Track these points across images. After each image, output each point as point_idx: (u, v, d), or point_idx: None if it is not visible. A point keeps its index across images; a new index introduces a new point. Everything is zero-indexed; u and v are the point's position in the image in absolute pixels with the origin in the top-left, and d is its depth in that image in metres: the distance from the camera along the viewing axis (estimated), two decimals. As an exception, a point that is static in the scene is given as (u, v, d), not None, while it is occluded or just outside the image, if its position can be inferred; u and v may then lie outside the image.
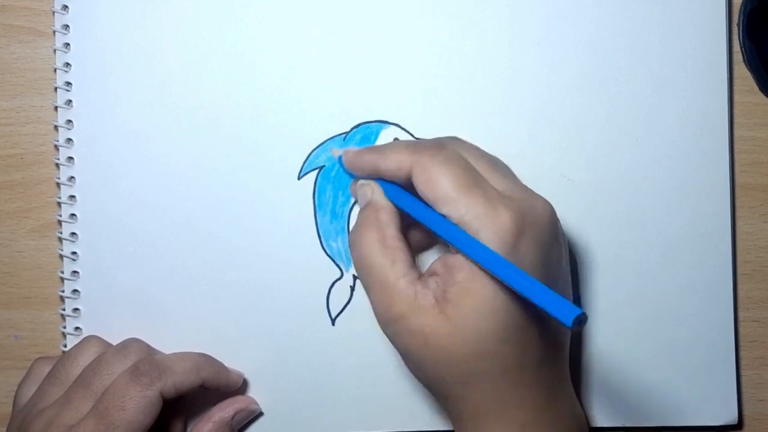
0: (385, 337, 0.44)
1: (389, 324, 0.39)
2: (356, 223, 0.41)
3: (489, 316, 0.37)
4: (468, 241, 0.36)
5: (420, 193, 0.39)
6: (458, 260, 0.37)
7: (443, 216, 0.38)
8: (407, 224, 0.41)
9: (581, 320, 0.33)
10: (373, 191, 0.41)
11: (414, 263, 0.39)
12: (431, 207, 0.38)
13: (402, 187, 0.40)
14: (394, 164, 0.40)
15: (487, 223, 0.37)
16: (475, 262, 0.37)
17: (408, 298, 0.38)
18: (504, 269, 0.35)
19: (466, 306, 0.37)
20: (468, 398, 0.39)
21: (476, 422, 0.39)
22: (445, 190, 0.38)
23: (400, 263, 0.39)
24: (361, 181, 0.42)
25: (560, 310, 0.33)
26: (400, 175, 0.39)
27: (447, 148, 0.40)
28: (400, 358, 0.44)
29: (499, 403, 0.38)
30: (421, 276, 0.39)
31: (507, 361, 0.38)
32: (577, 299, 0.45)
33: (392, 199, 0.40)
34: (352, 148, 0.44)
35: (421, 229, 0.42)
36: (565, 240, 0.41)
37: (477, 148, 0.41)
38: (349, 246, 0.41)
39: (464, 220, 0.37)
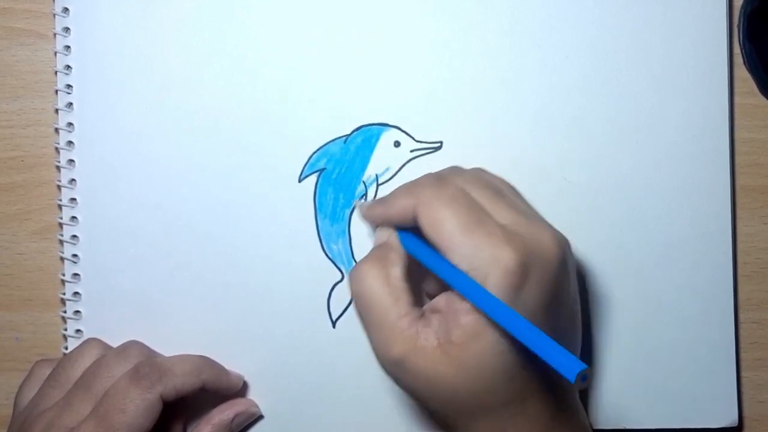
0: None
1: (390, 364, 0.38)
2: (362, 259, 0.40)
3: (494, 358, 0.36)
4: (473, 289, 0.36)
5: (426, 235, 0.38)
6: (464, 305, 0.37)
7: (450, 264, 0.37)
8: (414, 267, 0.41)
9: (585, 376, 0.32)
10: (390, 235, 0.41)
11: (415, 304, 0.39)
12: (440, 253, 0.38)
13: (416, 235, 0.39)
14: (399, 212, 0.39)
15: (491, 269, 0.36)
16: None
17: (409, 338, 0.37)
18: (508, 320, 0.35)
19: (472, 349, 0.36)
20: (473, 428, 0.38)
21: None
22: (449, 234, 0.37)
23: (402, 302, 0.38)
24: (380, 227, 0.42)
25: (563, 364, 0.33)
26: (409, 219, 0.39)
27: (448, 185, 0.39)
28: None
29: (504, 430, 0.38)
30: (423, 314, 0.38)
31: (510, 394, 0.37)
32: (585, 304, 0.44)
33: (406, 247, 0.40)
34: (365, 202, 0.44)
35: (424, 282, 0.42)
36: (575, 270, 0.40)
37: (479, 177, 0.40)
38: (350, 279, 0.40)
39: (473, 266, 0.36)
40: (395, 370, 0.38)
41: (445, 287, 0.39)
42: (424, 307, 0.39)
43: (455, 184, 0.39)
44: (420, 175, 0.41)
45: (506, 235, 0.37)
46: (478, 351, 0.36)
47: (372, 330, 0.39)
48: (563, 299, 0.39)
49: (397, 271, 0.39)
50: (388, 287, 0.38)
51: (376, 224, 0.42)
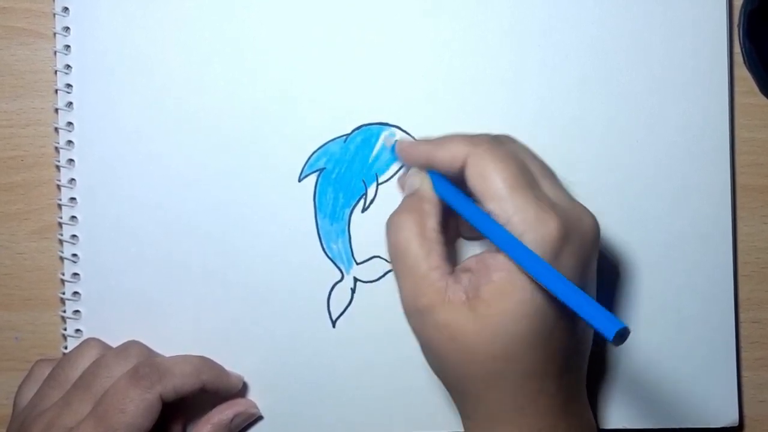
0: (387, 339, 0.44)
1: (415, 314, 0.38)
2: (398, 207, 0.40)
3: (521, 319, 0.36)
4: (513, 242, 0.36)
5: (470, 186, 0.38)
6: (498, 260, 0.37)
7: (489, 214, 0.37)
8: (448, 219, 0.41)
9: (623, 334, 0.32)
10: (423, 182, 0.41)
11: (448, 258, 0.39)
12: (478, 204, 0.38)
13: (452, 183, 0.40)
14: (449, 155, 0.39)
15: (533, 228, 0.36)
16: (517, 265, 0.36)
17: (439, 290, 0.38)
18: (549, 275, 0.35)
19: (499, 307, 0.36)
20: (486, 398, 0.38)
21: (490, 423, 0.39)
22: (496, 187, 0.37)
23: (435, 255, 0.38)
24: (412, 170, 0.42)
25: (604, 322, 0.33)
26: (454, 167, 0.39)
27: (505, 145, 0.39)
28: (402, 359, 0.44)
29: (517, 408, 0.38)
30: (453, 271, 0.39)
31: (531, 366, 0.37)
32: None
33: (440, 194, 0.40)
34: (404, 139, 0.43)
35: (461, 226, 0.42)
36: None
37: (531, 152, 0.41)
38: (386, 227, 0.40)
39: (511, 221, 0.36)
40: (420, 320, 0.38)
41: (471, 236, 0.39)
42: (456, 267, 0.39)
43: (512, 147, 0.39)
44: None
45: (551, 203, 0.37)
46: (505, 309, 0.36)
47: (402, 279, 0.39)
48: (591, 276, 0.39)
49: (432, 223, 0.39)
50: (422, 239, 0.39)
51: (414, 163, 0.42)
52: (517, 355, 0.37)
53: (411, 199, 0.40)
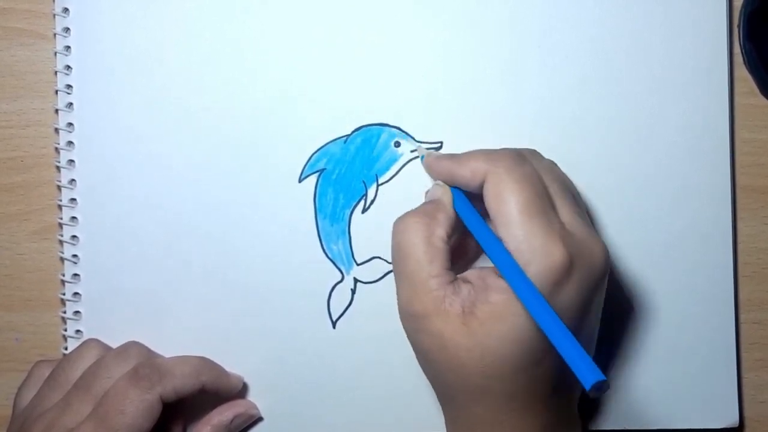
0: (387, 339, 0.44)
1: (409, 318, 0.39)
2: (411, 210, 0.40)
3: (512, 343, 0.36)
4: (514, 271, 0.36)
5: (486, 204, 0.38)
6: (498, 283, 0.37)
7: (499, 238, 0.37)
8: (467, 236, 0.41)
9: (600, 387, 0.32)
10: (443, 193, 0.41)
11: (450, 268, 0.39)
12: (490, 225, 0.38)
13: (470, 201, 0.40)
14: (469, 172, 0.39)
15: (538, 257, 0.36)
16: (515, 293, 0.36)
17: (435, 299, 0.38)
18: (541, 312, 0.34)
19: (493, 328, 0.36)
20: (469, 409, 0.38)
21: None
22: (509, 211, 0.37)
23: (438, 263, 0.38)
24: (438, 182, 0.42)
25: (583, 370, 0.32)
26: (474, 183, 0.39)
27: (526, 164, 0.39)
28: (402, 360, 0.44)
29: (497, 423, 0.38)
30: (455, 280, 0.38)
31: (518, 386, 0.37)
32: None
33: (457, 210, 0.40)
34: (433, 152, 0.43)
35: (473, 246, 0.42)
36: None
37: (555, 169, 0.40)
38: (393, 227, 0.40)
39: (519, 249, 0.36)
40: (413, 324, 0.38)
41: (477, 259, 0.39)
42: (458, 276, 0.39)
43: (533, 167, 0.39)
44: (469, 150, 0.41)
45: (563, 232, 0.37)
46: (498, 332, 0.36)
47: (401, 281, 0.39)
48: (593, 310, 0.39)
49: (440, 232, 0.39)
50: (427, 245, 0.38)
51: (438, 177, 0.42)
52: (504, 375, 0.37)
53: (426, 205, 0.41)
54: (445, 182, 0.41)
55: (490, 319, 0.36)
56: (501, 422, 0.38)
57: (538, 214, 0.37)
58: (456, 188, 0.41)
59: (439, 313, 0.37)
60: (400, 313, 0.39)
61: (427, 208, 0.40)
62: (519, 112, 0.45)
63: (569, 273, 0.36)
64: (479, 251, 0.43)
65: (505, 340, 0.36)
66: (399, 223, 0.40)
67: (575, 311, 0.37)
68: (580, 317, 0.38)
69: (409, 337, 0.39)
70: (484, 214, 0.39)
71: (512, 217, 0.37)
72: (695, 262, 0.45)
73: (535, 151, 0.41)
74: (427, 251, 0.38)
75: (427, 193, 0.43)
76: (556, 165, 0.42)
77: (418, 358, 0.40)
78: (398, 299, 0.39)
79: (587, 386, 0.32)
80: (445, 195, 0.41)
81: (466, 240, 0.42)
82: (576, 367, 0.33)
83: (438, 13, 0.45)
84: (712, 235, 0.45)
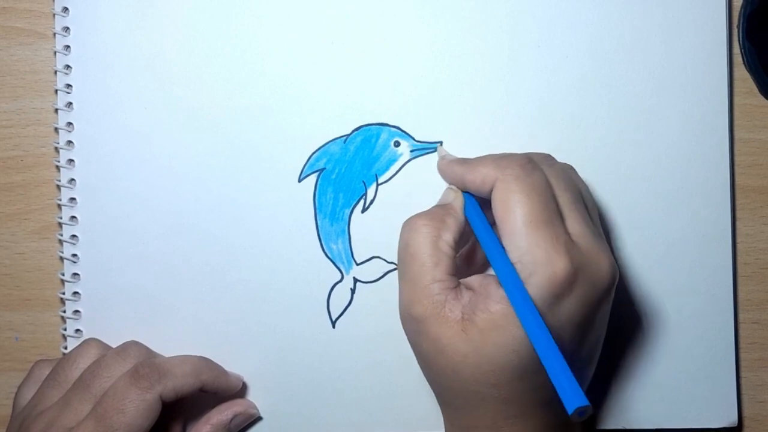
0: (386, 339, 0.44)
1: (409, 320, 0.39)
2: (421, 212, 0.40)
3: (510, 353, 0.36)
4: (513, 283, 0.36)
5: (493, 211, 0.38)
6: (499, 292, 0.37)
7: (503, 248, 0.37)
8: (474, 243, 0.41)
9: (583, 412, 0.32)
10: (455, 198, 0.41)
11: (456, 273, 0.39)
12: (496, 233, 0.38)
13: (482, 208, 0.39)
14: (479, 178, 0.39)
15: (540, 269, 0.36)
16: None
17: (436, 303, 0.38)
18: (533, 326, 0.34)
19: (491, 337, 0.36)
20: (466, 412, 0.39)
21: None
22: (514, 221, 0.37)
23: (442, 267, 0.38)
24: (451, 185, 0.42)
25: (568, 393, 0.32)
26: (484, 189, 0.39)
27: (535, 172, 0.38)
28: (401, 360, 0.44)
29: (494, 427, 0.38)
30: (457, 285, 0.38)
31: (514, 394, 0.37)
32: None
33: (468, 216, 0.40)
34: (448, 156, 0.43)
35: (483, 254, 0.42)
36: (611, 303, 0.40)
37: (567, 177, 0.40)
38: (403, 227, 0.40)
39: (522, 260, 0.36)
40: (412, 326, 0.38)
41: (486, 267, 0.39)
42: (461, 281, 0.39)
43: (543, 174, 0.39)
44: (478, 155, 0.41)
45: (568, 244, 0.37)
46: (496, 341, 0.36)
47: (404, 282, 0.39)
48: (595, 325, 0.39)
49: (448, 236, 0.39)
50: (433, 249, 0.38)
51: (450, 182, 0.42)
52: (500, 383, 0.37)
53: (437, 208, 0.41)
54: (457, 187, 0.41)
55: (489, 327, 0.36)
56: (499, 427, 0.38)
57: (544, 225, 0.37)
58: (468, 194, 0.41)
59: (438, 317, 0.37)
60: (400, 314, 0.39)
61: (438, 212, 0.40)
62: (519, 112, 0.45)
63: (571, 286, 0.36)
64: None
65: (503, 350, 0.36)
66: (408, 224, 0.40)
67: (576, 325, 0.37)
68: (581, 331, 0.37)
69: (408, 338, 0.40)
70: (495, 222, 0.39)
71: (517, 227, 0.37)
72: (694, 262, 0.45)
73: (548, 156, 0.41)
74: (433, 255, 0.38)
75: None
76: (572, 170, 0.41)
77: (417, 359, 0.40)
78: (400, 300, 0.39)
79: (570, 410, 0.32)
80: (457, 200, 0.41)
81: (477, 246, 0.42)
82: (561, 388, 0.33)
83: (438, 13, 0.45)
84: (712, 235, 0.45)
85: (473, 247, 0.42)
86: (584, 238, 0.38)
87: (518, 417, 0.38)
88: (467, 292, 0.38)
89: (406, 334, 0.39)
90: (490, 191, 0.38)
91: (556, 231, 0.37)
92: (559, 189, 0.39)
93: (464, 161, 0.41)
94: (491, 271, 0.41)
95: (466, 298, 0.38)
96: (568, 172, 0.40)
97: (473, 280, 0.39)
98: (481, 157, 0.40)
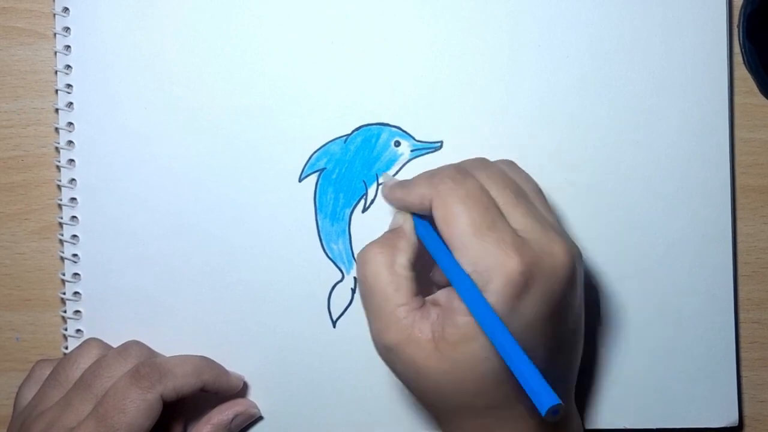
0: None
1: (383, 349, 0.39)
2: (372, 242, 0.40)
3: (485, 362, 0.36)
4: (469, 292, 0.36)
5: (437, 229, 0.38)
6: (462, 305, 0.36)
7: (457, 263, 0.37)
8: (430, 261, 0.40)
9: (555, 411, 0.32)
10: (405, 220, 0.40)
11: (417, 293, 0.38)
12: (448, 249, 0.38)
13: (431, 225, 0.39)
14: (417, 199, 0.39)
15: (496, 274, 0.36)
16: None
17: (405, 328, 0.37)
18: (494, 332, 0.35)
19: (464, 350, 0.36)
20: (458, 423, 0.39)
21: None
22: (460, 233, 0.37)
23: (403, 291, 0.38)
24: (399, 211, 0.42)
25: (538, 394, 0.33)
26: (425, 208, 0.39)
27: (467, 180, 0.38)
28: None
29: (487, 430, 0.38)
30: (423, 304, 0.38)
31: (499, 399, 0.37)
32: (588, 306, 0.44)
33: (419, 236, 0.40)
34: (390, 181, 0.43)
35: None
36: (582, 282, 0.40)
37: (503, 175, 0.39)
38: (356, 261, 0.40)
39: (476, 271, 0.36)
40: (388, 356, 0.38)
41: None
42: (427, 298, 0.39)
43: (475, 181, 0.38)
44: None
45: (516, 242, 0.36)
46: (469, 353, 0.36)
47: (370, 314, 0.39)
48: (566, 313, 0.38)
49: (403, 259, 0.39)
50: (391, 275, 0.38)
51: (394, 206, 0.42)
52: (482, 391, 0.37)
53: (387, 234, 0.40)
54: (402, 210, 0.41)
55: (460, 341, 0.36)
56: (491, 430, 0.38)
57: (488, 229, 0.36)
58: (415, 215, 0.40)
59: (410, 341, 0.37)
60: (374, 345, 0.39)
61: (389, 237, 0.40)
62: (519, 112, 0.45)
63: (528, 283, 0.36)
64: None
65: (478, 359, 0.36)
66: (362, 255, 0.39)
67: (545, 320, 0.37)
68: (551, 324, 0.37)
69: (388, 366, 0.39)
70: None
71: (463, 239, 0.37)
72: (695, 262, 0.45)
73: (482, 159, 0.41)
74: (392, 281, 0.38)
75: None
76: (511, 164, 0.41)
77: (404, 385, 0.40)
78: (370, 331, 0.39)
79: (542, 411, 0.32)
80: (406, 222, 0.40)
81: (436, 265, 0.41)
82: (531, 391, 0.33)
83: (438, 13, 0.45)
84: (712, 234, 0.45)
85: (435, 264, 0.42)
86: (532, 232, 0.37)
87: (510, 418, 0.38)
88: (434, 308, 0.38)
89: (387, 365, 0.39)
90: (429, 210, 0.38)
91: (501, 233, 0.37)
92: (496, 189, 0.38)
93: (402, 184, 0.41)
94: None
95: (434, 315, 0.37)
96: (504, 170, 0.40)
97: (439, 295, 0.38)
98: (415, 178, 0.40)
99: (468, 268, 0.36)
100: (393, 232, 0.40)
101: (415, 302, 0.38)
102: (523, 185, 0.40)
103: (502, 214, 0.38)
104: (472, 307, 0.36)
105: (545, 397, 0.32)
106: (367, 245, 0.40)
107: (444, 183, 0.38)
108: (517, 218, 0.38)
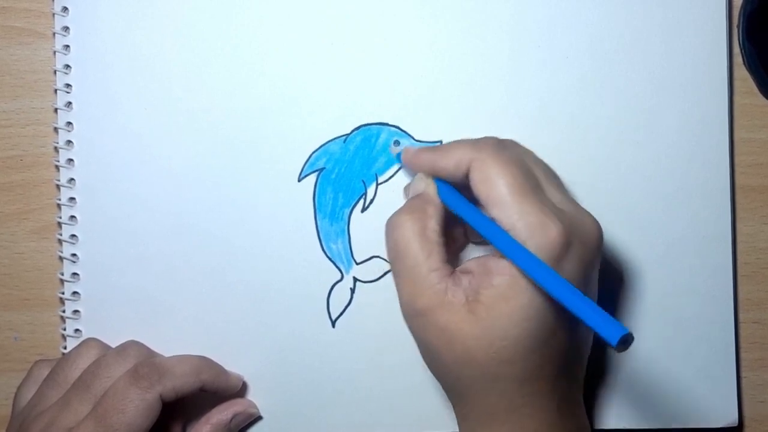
0: (386, 338, 0.44)
1: (414, 315, 0.39)
2: (400, 208, 0.40)
3: (521, 323, 0.36)
4: (517, 248, 0.36)
5: (475, 191, 0.38)
6: (500, 265, 0.37)
7: (493, 220, 0.37)
8: (451, 226, 0.41)
9: (626, 340, 0.32)
10: (428, 186, 0.41)
11: (448, 260, 0.39)
12: (481, 209, 0.38)
13: (454, 189, 0.40)
14: (453, 161, 0.39)
15: (536, 233, 0.36)
16: (520, 270, 0.36)
17: (438, 292, 0.38)
18: (553, 281, 0.35)
19: (499, 310, 0.37)
20: (482, 399, 0.38)
21: (486, 424, 0.39)
22: (500, 192, 0.37)
23: (436, 256, 0.38)
24: (418, 175, 0.42)
25: (608, 328, 0.33)
26: (459, 173, 0.39)
27: (509, 149, 0.39)
28: (401, 359, 0.44)
29: (513, 409, 0.38)
30: (453, 272, 0.39)
31: (529, 369, 0.37)
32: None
33: (444, 200, 0.40)
34: (411, 147, 0.43)
35: (469, 232, 0.42)
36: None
37: (535, 155, 0.41)
38: (386, 226, 0.40)
39: (515, 227, 0.36)
40: (418, 321, 0.38)
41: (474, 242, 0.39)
42: (456, 269, 0.39)
43: (516, 151, 0.39)
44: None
45: (555, 209, 0.37)
46: (504, 313, 0.36)
47: (401, 280, 0.39)
48: (591, 285, 0.39)
49: (433, 224, 0.39)
50: (423, 239, 0.39)
51: (419, 170, 0.42)
52: (515, 358, 0.37)
53: (414, 200, 0.41)
54: (428, 174, 0.41)
55: (496, 301, 0.37)
56: (516, 408, 0.38)
57: (530, 192, 0.37)
58: (438, 179, 0.41)
59: (443, 305, 0.37)
60: (403, 311, 0.39)
61: (416, 203, 0.40)
62: (519, 112, 0.45)
63: (568, 247, 0.37)
64: (465, 241, 0.43)
65: (513, 321, 0.36)
66: (391, 222, 0.40)
67: (579, 283, 0.37)
68: (584, 290, 0.37)
69: (414, 335, 0.39)
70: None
71: (504, 197, 0.37)
72: (695, 262, 0.45)
73: (513, 141, 0.42)
74: (424, 246, 0.38)
75: (406, 189, 0.43)
76: (535, 154, 0.42)
77: (424, 356, 0.40)
78: (400, 297, 0.39)
79: (614, 342, 0.32)
80: (430, 187, 0.41)
81: (451, 231, 0.42)
82: (599, 326, 0.33)
83: (438, 13, 0.45)
84: (712, 234, 0.45)
85: (446, 232, 0.42)
86: (567, 204, 0.39)
87: (533, 395, 0.38)
88: (465, 276, 0.38)
89: (412, 332, 0.39)
90: (464, 174, 0.39)
91: (542, 198, 0.38)
92: (531, 163, 0.40)
93: (434, 148, 0.41)
94: (470, 255, 0.41)
95: (465, 282, 0.38)
96: (533, 153, 0.41)
97: (468, 264, 0.39)
98: (452, 142, 0.41)
99: (506, 226, 0.37)
100: (419, 198, 0.40)
101: (446, 269, 0.38)
102: (550, 168, 0.41)
103: (540, 185, 0.39)
104: (517, 259, 0.36)
105: (613, 328, 0.32)
106: (395, 212, 0.40)
107: (487, 148, 0.39)
108: (552, 192, 0.39)
